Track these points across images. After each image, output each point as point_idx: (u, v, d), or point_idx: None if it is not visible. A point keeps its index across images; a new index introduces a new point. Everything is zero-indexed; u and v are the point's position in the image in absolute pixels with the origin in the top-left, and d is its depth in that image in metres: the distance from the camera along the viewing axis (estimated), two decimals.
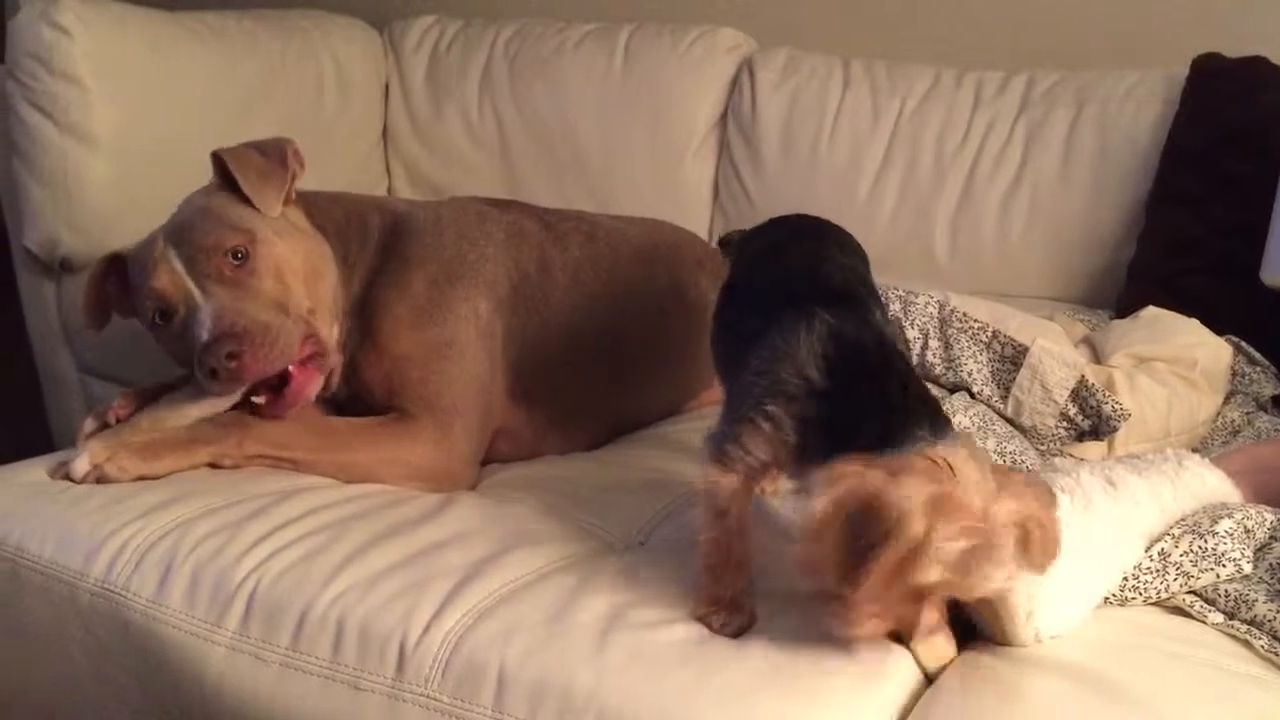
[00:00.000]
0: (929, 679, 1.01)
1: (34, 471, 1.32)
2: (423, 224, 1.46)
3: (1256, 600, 1.07)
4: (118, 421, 1.38)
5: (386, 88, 2.71)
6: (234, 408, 1.35)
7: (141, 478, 1.28)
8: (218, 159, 1.37)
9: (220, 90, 2.23)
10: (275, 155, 1.38)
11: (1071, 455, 1.37)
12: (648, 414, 1.61)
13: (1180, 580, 1.10)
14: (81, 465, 1.28)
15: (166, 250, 1.32)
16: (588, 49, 2.54)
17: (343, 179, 2.36)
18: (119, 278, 1.40)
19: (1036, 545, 0.87)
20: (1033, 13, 2.39)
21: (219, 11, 2.38)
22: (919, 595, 0.89)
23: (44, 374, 2.23)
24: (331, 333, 1.38)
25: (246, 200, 1.35)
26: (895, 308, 1.43)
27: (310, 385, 1.32)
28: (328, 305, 1.37)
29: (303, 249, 1.36)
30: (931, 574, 0.84)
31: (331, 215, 1.44)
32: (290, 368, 1.30)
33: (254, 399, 1.32)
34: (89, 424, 1.41)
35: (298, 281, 1.34)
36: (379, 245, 1.44)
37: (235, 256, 1.30)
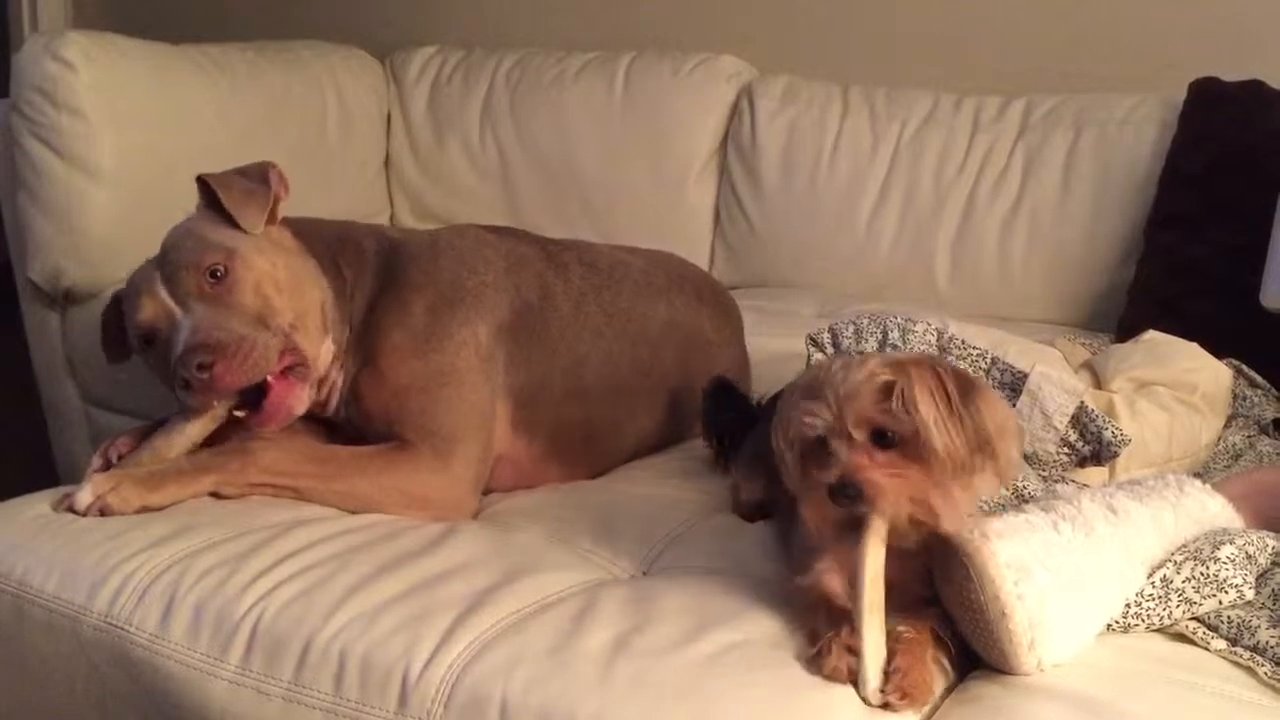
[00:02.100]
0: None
1: (38, 505, 1.32)
2: (420, 250, 1.46)
3: (1259, 627, 1.06)
4: (120, 459, 1.39)
5: (388, 118, 2.73)
6: (222, 426, 1.35)
7: (145, 508, 1.28)
8: (202, 182, 1.39)
9: (223, 122, 2.25)
10: (257, 176, 1.40)
11: (1073, 481, 1.37)
12: (650, 442, 1.61)
13: (1183, 607, 1.10)
14: (85, 497, 1.28)
15: (152, 276, 1.34)
16: (588, 77, 2.56)
17: (345, 208, 2.37)
18: None
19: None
20: (1030, 37, 2.41)
21: (222, 44, 2.40)
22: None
23: (48, 406, 2.24)
24: (320, 347, 1.38)
25: (232, 222, 1.36)
26: (894, 336, 1.43)
27: (290, 396, 1.32)
28: (314, 319, 1.37)
29: (284, 264, 1.37)
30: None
31: (322, 236, 1.44)
32: (269, 379, 1.30)
33: (236, 413, 1.33)
34: (95, 461, 1.41)
35: (278, 295, 1.34)
36: (377, 271, 1.45)
37: (213, 275, 1.31)
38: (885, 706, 0.97)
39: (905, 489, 0.99)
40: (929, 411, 0.97)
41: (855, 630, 0.99)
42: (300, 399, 1.34)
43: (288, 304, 1.35)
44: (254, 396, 1.31)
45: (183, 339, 1.28)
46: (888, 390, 0.98)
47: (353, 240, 1.47)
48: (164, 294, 1.32)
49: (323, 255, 1.43)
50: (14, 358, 2.31)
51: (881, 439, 0.99)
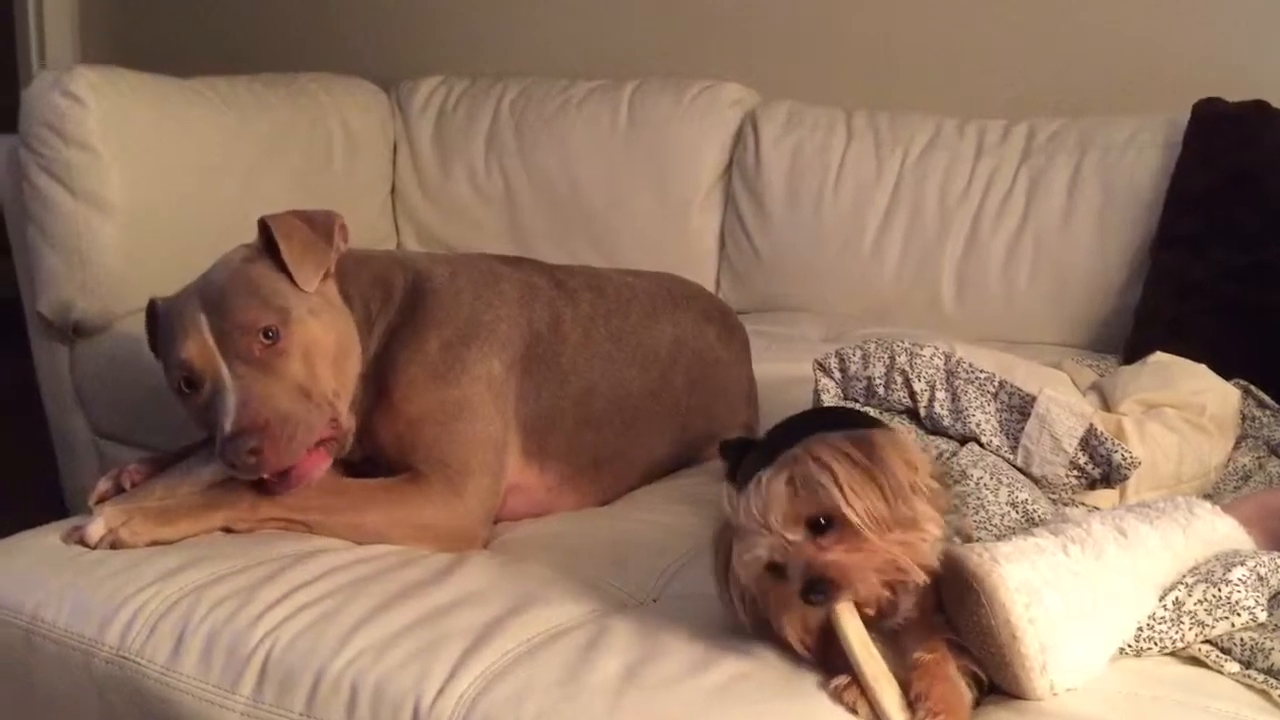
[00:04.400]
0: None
1: (48, 537, 1.32)
2: (440, 284, 1.45)
3: (1273, 649, 1.06)
4: (132, 485, 1.39)
5: (394, 147, 2.74)
6: None
7: (155, 542, 1.28)
8: (263, 225, 1.36)
9: (231, 154, 2.26)
10: (323, 230, 1.38)
11: (1083, 504, 1.37)
12: (659, 468, 1.61)
13: (1195, 630, 1.09)
14: (96, 530, 1.28)
15: (199, 316, 1.30)
16: (592, 105, 2.57)
17: (352, 237, 2.38)
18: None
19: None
20: (1033, 61, 2.42)
21: (229, 77, 2.42)
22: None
23: (57, 438, 2.24)
24: (350, 412, 1.38)
25: (284, 269, 1.34)
26: (902, 360, 1.43)
27: (317, 469, 1.31)
28: (351, 385, 1.37)
29: (334, 328, 1.35)
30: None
31: (359, 279, 1.43)
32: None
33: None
34: (103, 485, 1.41)
35: (325, 363, 1.33)
36: (400, 306, 1.44)
37: (267, 335, 1.29)
38: None
39: (865, 561, 0.98)
40: (829, 481, 0.97)
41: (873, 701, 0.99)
42: (323, 469, 1.33)
43: (331, 373, 1.33)
44: None
45: (231, 416, 1.25)
46: (794, 483, 0.99)
47: (384, 279, 1.45)
48: (211, 343, 1.29)
49: (355, 300, 1.41)
50: (24, 388, 2.32)
51: (817, 526, 0.99)
